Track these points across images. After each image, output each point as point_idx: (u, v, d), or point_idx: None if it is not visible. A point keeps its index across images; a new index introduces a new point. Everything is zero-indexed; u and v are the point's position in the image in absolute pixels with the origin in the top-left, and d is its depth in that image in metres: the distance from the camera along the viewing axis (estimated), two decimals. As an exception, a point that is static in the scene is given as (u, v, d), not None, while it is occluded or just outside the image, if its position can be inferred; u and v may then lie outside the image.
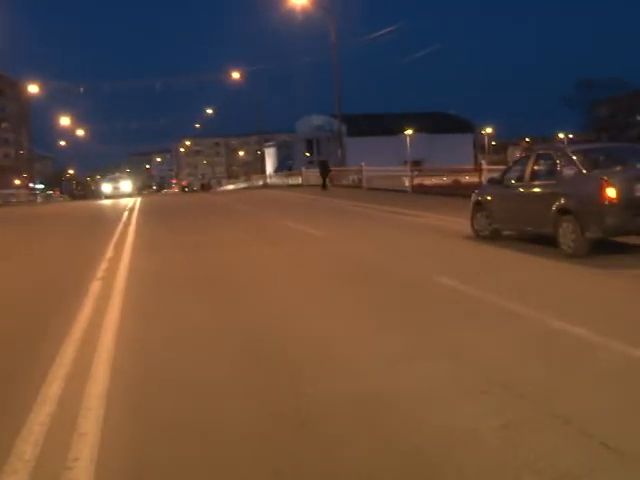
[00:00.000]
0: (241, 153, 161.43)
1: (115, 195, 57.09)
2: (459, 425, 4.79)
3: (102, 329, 8.12)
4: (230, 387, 5.97)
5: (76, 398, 5.69)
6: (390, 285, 10.38)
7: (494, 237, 14.63)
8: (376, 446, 4.54)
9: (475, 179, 29.43)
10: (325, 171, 43.00)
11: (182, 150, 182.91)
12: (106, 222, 27.79)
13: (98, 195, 65.43)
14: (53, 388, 5.98)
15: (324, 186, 41.67)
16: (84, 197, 75.47)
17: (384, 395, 5.51)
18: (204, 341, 7.58)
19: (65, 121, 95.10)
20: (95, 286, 11.18)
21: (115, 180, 65.54)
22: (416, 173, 35.81)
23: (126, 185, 62.70)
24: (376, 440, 4.65)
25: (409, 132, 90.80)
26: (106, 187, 62.96)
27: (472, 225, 15.48)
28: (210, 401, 5.64)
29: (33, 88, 72.26)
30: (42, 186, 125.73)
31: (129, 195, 55.75)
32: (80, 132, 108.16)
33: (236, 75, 72.98)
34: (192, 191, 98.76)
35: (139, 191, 78.35)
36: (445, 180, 36.87)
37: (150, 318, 8.91)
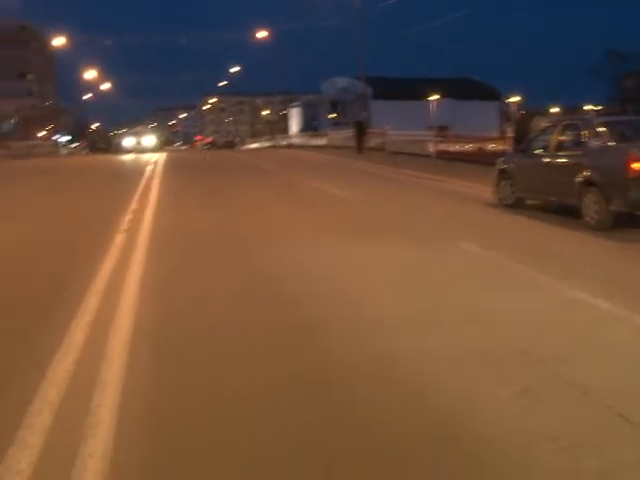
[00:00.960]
0: (265, 112, 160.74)
1: (137, 150, 55.16)
2: (479, 390, 4.84)
3: (125, 280, 8.22)
4: (251, 339, 6.03)
5: (99, 347, 5.77)
6: (414, 247, 10.38)
7: (517, 205, 14.58)
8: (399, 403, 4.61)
9: (500, 147, 29.31)
10: (361, 133, 40.43)
11: (207, 107, 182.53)
12: (128, 177, 27.92)
13: (120, 149, 61.64)
14: (77, 336, 6.06)
15: (360, 149, 39.11)
16: (106, 151, 71.30)
17: (404, 354, 5.58)
18: (227, 294, 7.67)
19: (91, 74, 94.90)
20: (118, 239, 11.27)
21: (138, 134, 63.09)
22: (440, 139, 35.62)
23: (149, 140, 60.46)
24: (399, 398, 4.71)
25: (435, 97, 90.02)
26: (128, 141, 61.03)
27: (496, 193, 15.43)
28: (230, 356, 5.71)
29: (59, 40, 71.75)
30: (68, 138, 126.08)
31: (152, 150, 54.15)
32: (106, 85, 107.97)
33: (263, 34, 72.37)
34: (216, 148, 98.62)
35: (163, 146, 76.65)
36: (469, 147, 36.61)
37: (173, 270, 9.00)
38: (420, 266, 9.11)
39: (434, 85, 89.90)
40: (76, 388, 4.92)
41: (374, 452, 3.99)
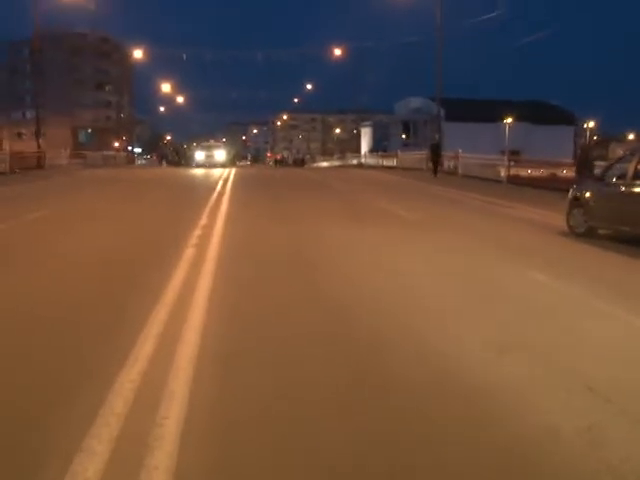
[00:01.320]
0: (337, 131, 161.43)
1: (208, 164, 54.58)
2: (545, 429, 4.76)
3: (195, 293, 8.32)
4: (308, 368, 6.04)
5: (167, 358, 5.85)
6: (482, 275, 10.25)
7: (589, 235, 14.33)
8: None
9: (572, 173, 28.90)
10: (437, 156, 40.39)
11: (279, 123, 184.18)
12: (198, 191, 28.29)
13: (191, 163, 62.44)
14: (145, 347, 6.15)
15: (435, 171, 39.34)
16: (177, 164, 71.20)
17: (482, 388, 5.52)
18: (294, 312, 7.69)
19: (166, 87, 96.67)
20: (188, 252, 11.42)
21: (209, 148, 61.87)
22: (512, 163, 35.26)
23: (220, 154, 59.47)
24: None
25: (508, 120, 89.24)
26: (199, 155, 59.97)
27: (567, 221, 15.21)
28: (296, 367, 5.72)
29: (137, 53, 73.30)
30: (140, 150, 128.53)
31: (222, 165, 53.72)
32: (180, 99, 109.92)
33: (337, 52, 72.76)
34: (286, 165, 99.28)
35: (233, 161, 76.65)
36: (542, 172, 36.17)
37: (241, 286, 9.07)
38: (486, 293, 9.00)
39: (508, 108, 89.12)
40: (143, 399, 4.98)
41: None
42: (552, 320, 7.54)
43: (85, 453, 4.13)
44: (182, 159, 72.34)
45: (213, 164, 54.11)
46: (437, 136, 46.72)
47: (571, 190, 15.66)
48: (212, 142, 73.21)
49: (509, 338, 6.73)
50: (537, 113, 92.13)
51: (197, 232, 13.87)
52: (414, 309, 8.00)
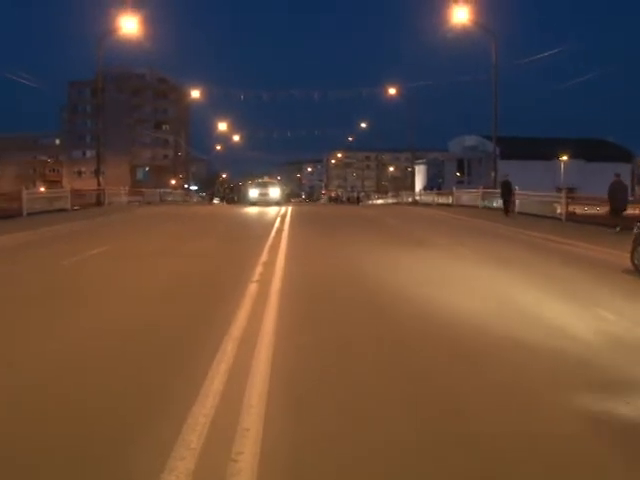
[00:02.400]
0: (391, 168, 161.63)
1: (262, 202, 52.92)
2: None
3: (260, 329, 8.35)
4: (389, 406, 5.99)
5: (237, 394, 5.87)
6: (544, 322, 10.09)
7: (655, 273, 14.02)
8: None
9: (630, 211, 28.46)
10: (509, 193, 37.36)
11: (333, 161, 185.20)
12: (256, 228, 28.49)
13: (245, 201, 59.45)
14: (215, 383, 6.18)
15: (507, 211, 36.28)
16: (231, 201, 70.45)
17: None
18: (360, 346, 7.65)
19: (222, 126, 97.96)
20: (252, 288, 11.48)
21: (263, 186, 59.45)
22: (569, 201, 34.83)
23: (274, 192, 57.20)
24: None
25: (564, 158, 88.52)
26: (253, 192, 57.46)
27: (632, 259, 14.92)
28: (365, 407, 5.68)
29: (195, 93, 74.63)
30: (196, 187, 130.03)
31: (276, 203, 52.48)
32: (236, 137, 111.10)
33: (393, 91, 73.34)
34: (340, 202, 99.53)
35: (287, 199, 76.30)
36: (598, 210, 35.60)
37: (306, 320, 9.10)
38: (557, 331, 8.85)
39: (564, 145, 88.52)
40: (217, 434, 4.99)
41: None
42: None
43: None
44: (236, 196, 71.40)
45: (267, 202, 52.63)
46: (493, 174, 46.45)
47: (635, 227, 15.41)
48: (266, 179, 71.00)
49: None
50: (592, 150, 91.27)
51: (259, 268, 13.94)
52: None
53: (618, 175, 28.36)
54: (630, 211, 30.86)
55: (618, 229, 24.47)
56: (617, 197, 27.24)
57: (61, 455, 4.71)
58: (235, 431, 5.02)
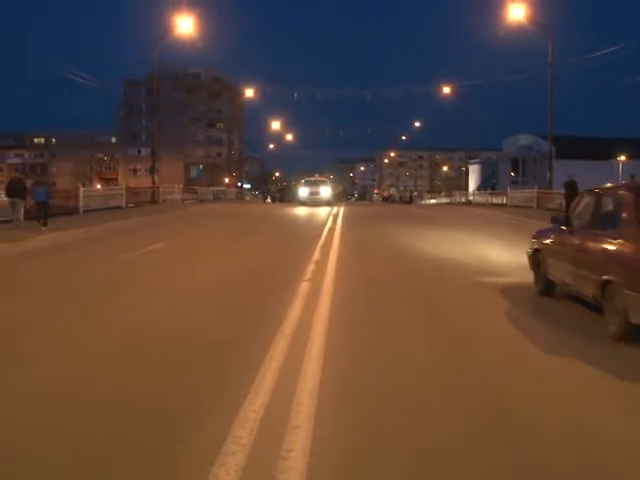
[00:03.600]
0: (444, 168, 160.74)
1: (312, 201, 50.12)
2: None
3: (311, 328, 8.37)
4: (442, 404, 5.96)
5: (288, 392, 5.88)
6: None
7: None
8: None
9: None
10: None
11: (386, 161, 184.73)
12: (310, 226, 28.51)
13: (295, 199, 57.41)
14: (266, 379, 6.20)
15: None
16: (281, 200, 68.27)
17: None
18: (411, 350, 7.62)
19: (276, 125, 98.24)
20: (303, 286, 11.52)
21: (314, 184, 55.62)
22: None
23: (326, 191, 53.93)
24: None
25: (621, 158, 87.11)
26: (303, 191, 54.14)
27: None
28: (413, 411, 5.65)
29: (249, 92, 74.89)
30: (249, 186, 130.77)
31: (327, 203, 50.07)
32: (289, 136, 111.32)
33: (446, 90, 72.82)
34: (393, 202, 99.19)
35: (339, 198, 74.68)
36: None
37: (358, 320, 9.10)
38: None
39: (622, 145, 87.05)
40: (267, 431, 5.01)
41: None
42: None
43: None
44: (286, 195, 69.71)
45: (317, 202, 49.89)
46: (549, 174, 45.78)
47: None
48: (317, 177, 66.09)
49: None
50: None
51: (311, 267, 13.98)
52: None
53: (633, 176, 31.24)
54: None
55: None
56: None
57: (115, 449, 4.77)
58: (285, 428, 5.03)
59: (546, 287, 11.37)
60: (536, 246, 12.13)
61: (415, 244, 19.63)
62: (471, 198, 67.70)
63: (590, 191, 11.08)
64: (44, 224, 23.24)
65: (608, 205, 9.92)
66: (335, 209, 40.88)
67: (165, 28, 48.57)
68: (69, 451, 4.72)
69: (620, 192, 9.85)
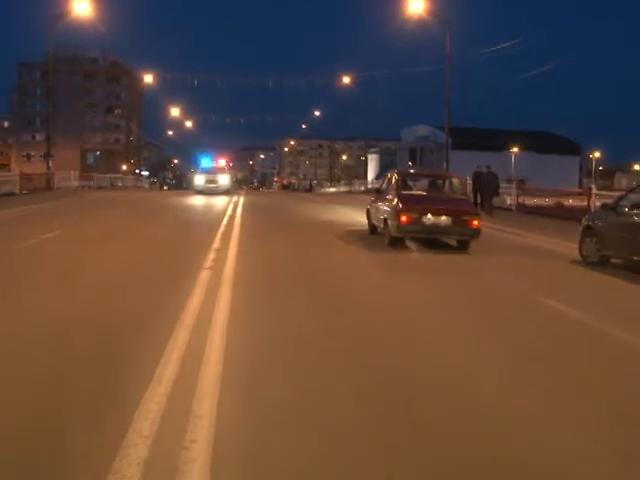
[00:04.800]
0: (344, 157, 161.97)
1: (209, 190, 47.09)
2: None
3: (213, 316, 8.34)
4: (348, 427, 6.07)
5: (190, 382, 5.84)
6: (498, 303, 10.27)
7: (602, 263, 14.34)
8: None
9: (578, 203, 29.02)
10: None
11: (286, 149, 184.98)
12: (211, 212, 28.34)
13: (192, 188, 52.63)
14: (168, 370, 6.12)
15: (482, 205, 31.06)
16: (178, 187, 65.43)
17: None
18: (310, 324, 7.70)
19: (175, 111, 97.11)
20: (204, 275, 11.45)
21: (211, 172, 51.95)
22: (520, 192, 35.24)
23: (224, 179, 50.45)
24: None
25: (514, 150, 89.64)
26: (199, 179, 50.38)
27: (580, 250, 15.21)
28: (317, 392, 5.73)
29: (148, 77, 73.65)
30: (147, 173, 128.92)
31: (226, 192, 47.47)
32: (189, 123, 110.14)
33: (346, 80, 73.27)
34: (293, 190, 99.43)
35: (238, 186, 73.06)
36: (547, 201, 36.08)
37: (259, 305, 9.11)
38: (503, 319, 9.04)
39: (514, 137, 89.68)
40: (169, 422, 4.98)
41: None
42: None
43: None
44: (184, 183, 66.90)
45: (215, 191, 47.05)
46: (445, 164, 46.66)
47: (584, 219, 15.70)
48: (214, 164, 62.42)
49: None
50: (543, 143, 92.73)
51: (211, 255, 13.91)
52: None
53: (489, 167, 32.97)
54: (575, 202, 31.58)
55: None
56: (489, 186, 31.88)
57: (14, 448, 4.66)
58: (187, 418, 5.00)
59: (371, 229, 19.95)
60: (367, 206, 20.68)
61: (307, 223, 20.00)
62: (370, 187, 68.51)
63: (388, 173, 21.96)
64: None
65: (392, 181, 18.90)
66: (235, 197, 40.70)
67: (61, 8, 47.21)
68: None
69: (394, 173, 19.56)
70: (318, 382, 6.05)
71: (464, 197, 19.43)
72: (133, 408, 5.19)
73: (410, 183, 20.01)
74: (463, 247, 16.74)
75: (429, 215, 16.23)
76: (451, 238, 17.10)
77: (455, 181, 19.56)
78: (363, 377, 6.30)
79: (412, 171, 35.98)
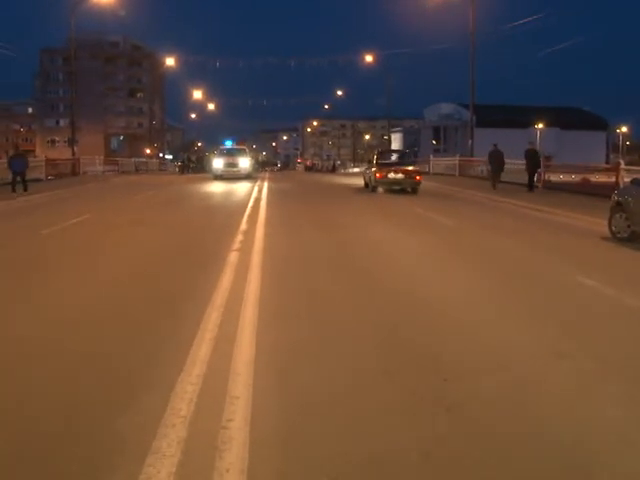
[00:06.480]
0: (367, 137, 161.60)
1: (229, 175, 43.87)
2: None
3: (244, 297, 8.36)
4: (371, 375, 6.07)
5: (224, 362, 5.87)
6: (534, 284, 10.14)
7: (632, 239, 14.18)
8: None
9: (605, 179, 28.71)
10: (536, 164, 32.34)
11: (309, 130, 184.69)
12: (237, 193, 28.38)
13: (210, 173, 48.62)
14: (202, 352, 6.16)
15: (530, 186, 31.02)
16: (199, 171, 63.39)
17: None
18: (336, 305, 7.68)
19: (197, 94, 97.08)
20: (232, 256, 11.48)
21: (230, 155, 47.13)
22: (545, 169, 34.78)
23: (244, 162, 46.07)
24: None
25: (540, 126, 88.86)
26: (217, 162, 45.78)
27: (610, 226, 15.05)
28: (349, 373, 5.73)
29: (170, 60, 73.58)
30: (171, 156, 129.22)
31: (247, 176, 44.59)
32: (211, 106, 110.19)
33: (369, 59, 72.78)
34: (316, 171, 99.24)
35: (259, 170, 70.99)
36: (574, 178, 35.67)
37: (288, 290, 9.11)
38: (539, 299, 8.96)
39: (540, 114, 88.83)
40: (206, 402, 5.01)
41: None
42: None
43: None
44: (205, 166, 64.68)
45: (235, 175, 43.99)
46: (470, 141, 46.35)
47: (613, 195, 15.53)
48: (234, 145, 58.09)
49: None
50: (568, 119, 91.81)
51: (239, 237, 13.94)
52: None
53: (495, 145, 34.13)
54: (602, 179, 31.17)
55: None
56: (495, 163, 33.48)
57: (49, 431, 4.68)
58: (224, 399, 5.03)
59: (365, 185, 32.71)
60: (362, 172, 35.35)
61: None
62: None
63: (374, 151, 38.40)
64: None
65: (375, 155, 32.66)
66: (259, 181, 40.66)
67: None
68: None
69: (374, 152, 35.79)
70: (351, 364, 6.01)
71: (414, 165, 32.98)
72: (169, 389, 5.21)
73: (385, 156, 33.12)
74: (413, 192, 28.88)
75: (392, 174, 29.31)
76: (405, 187, 29.31)
77: (408, 153, 40.95)
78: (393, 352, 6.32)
79: (383, 149, 46.65)
